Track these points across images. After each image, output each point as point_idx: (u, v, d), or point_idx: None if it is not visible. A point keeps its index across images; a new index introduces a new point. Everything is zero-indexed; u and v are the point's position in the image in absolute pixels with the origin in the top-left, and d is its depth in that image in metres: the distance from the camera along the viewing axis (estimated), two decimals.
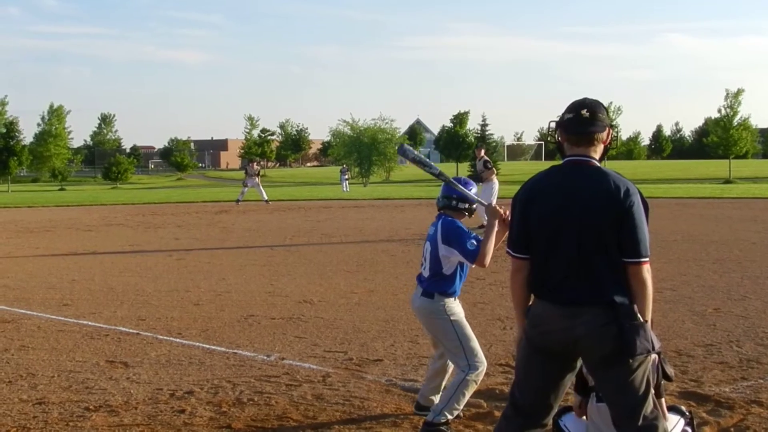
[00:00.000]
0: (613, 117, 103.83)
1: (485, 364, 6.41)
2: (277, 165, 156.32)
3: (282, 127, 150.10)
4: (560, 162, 4.83)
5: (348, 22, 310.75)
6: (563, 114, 4.81)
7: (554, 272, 4.62)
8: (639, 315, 4.49)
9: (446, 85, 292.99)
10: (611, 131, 4.82)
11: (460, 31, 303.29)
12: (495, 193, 21.60)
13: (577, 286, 4.55)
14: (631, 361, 4.49)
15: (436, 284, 6.37)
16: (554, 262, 4.62)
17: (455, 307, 6.42)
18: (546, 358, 4.71)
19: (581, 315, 4.52)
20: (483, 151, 23.46)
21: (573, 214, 4.57)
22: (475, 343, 6.41)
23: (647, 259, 4.56)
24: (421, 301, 6.46)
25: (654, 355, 4.80)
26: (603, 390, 4.78)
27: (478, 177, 22.17)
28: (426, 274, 6.47)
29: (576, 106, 4.76)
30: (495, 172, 22.31)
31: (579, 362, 4.78)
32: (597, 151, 4.72)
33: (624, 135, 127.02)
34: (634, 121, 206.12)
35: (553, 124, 4.90)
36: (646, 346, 4.46)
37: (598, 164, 4.70)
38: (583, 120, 4.69)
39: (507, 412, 4.94)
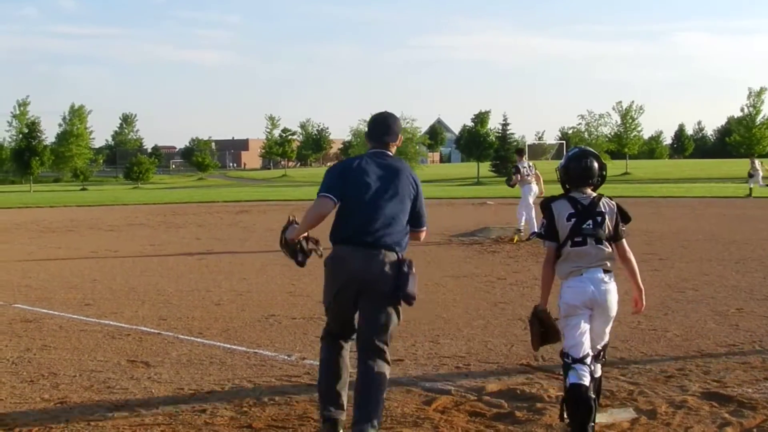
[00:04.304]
0: (635, 116, 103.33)
1: None
2: (298, 165, 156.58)
3: (303, 126, 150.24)
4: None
5: (368, 21, 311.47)
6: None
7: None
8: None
9: (468, 85, 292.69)
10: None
11: (481, 30, 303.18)
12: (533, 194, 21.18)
13: None
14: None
15: None
16: None
17: None
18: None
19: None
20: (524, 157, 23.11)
21: None
22: None
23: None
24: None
25: None
26: (366, 311, 6.03)
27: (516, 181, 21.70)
28: None
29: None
30: (521, 177, 21.75)
31: None
32: None
33: (646, 134, 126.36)
34: (657, 121, 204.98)
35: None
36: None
37: None
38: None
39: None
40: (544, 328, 6.10)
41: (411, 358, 8.57)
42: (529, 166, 21.51)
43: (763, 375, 7.70)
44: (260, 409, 6.91)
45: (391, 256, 5.95)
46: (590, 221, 5.97)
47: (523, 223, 20.67)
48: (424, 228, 6.30)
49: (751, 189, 39.29)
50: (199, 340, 9.58)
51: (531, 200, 20.66)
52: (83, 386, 7.65)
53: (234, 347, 9.16)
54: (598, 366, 6.13)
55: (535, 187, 21.10)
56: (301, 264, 6.36)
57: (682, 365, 8.05)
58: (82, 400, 7.20)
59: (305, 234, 6.24)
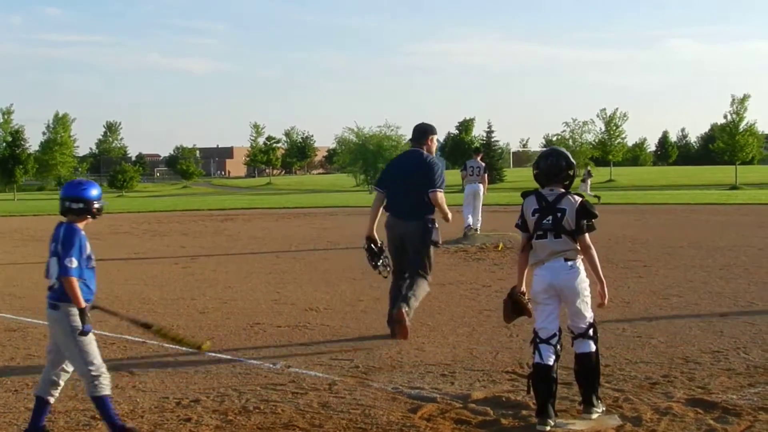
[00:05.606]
0: (619, 123, 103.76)
1: None
2: (283, 172, 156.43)
3: (287, 134, 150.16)
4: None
5: (353, 29, 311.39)
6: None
7: None
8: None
9: (452, 92, 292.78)
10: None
11: (465, 37, 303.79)
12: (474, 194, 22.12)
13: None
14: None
15: None
16: None
17: None
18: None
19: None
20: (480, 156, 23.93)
21: None
22: None
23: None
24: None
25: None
26: (410, 255, 9.75)
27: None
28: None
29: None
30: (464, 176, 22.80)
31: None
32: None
33: (630, 141, 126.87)
34: (640, 127, 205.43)
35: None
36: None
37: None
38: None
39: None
40: (516, 306, 6.82)
41: (396, 366, 8.56)
42: (478, 167, 22.30)
43: (747, 381, 7.74)
44: (245, 417, 6.90)
45: (418, 222, 9.61)
46: (550, 217, 6.48)
47: (473, 223, 21.54)
48: (431, 190, 9.58)
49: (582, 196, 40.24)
50: (183, 348, 9.53)
51: (469, 200, 21.94)
52: (68, 395, 7.60)
53: (219, 356, 9.14)
54: (590, 342, 6.61)
55: (477, 187, 21.99)
56: (376, 269, 10.08)
57: (667, 372, 8.08)
58: (66, 409, 7.18)
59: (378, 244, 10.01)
